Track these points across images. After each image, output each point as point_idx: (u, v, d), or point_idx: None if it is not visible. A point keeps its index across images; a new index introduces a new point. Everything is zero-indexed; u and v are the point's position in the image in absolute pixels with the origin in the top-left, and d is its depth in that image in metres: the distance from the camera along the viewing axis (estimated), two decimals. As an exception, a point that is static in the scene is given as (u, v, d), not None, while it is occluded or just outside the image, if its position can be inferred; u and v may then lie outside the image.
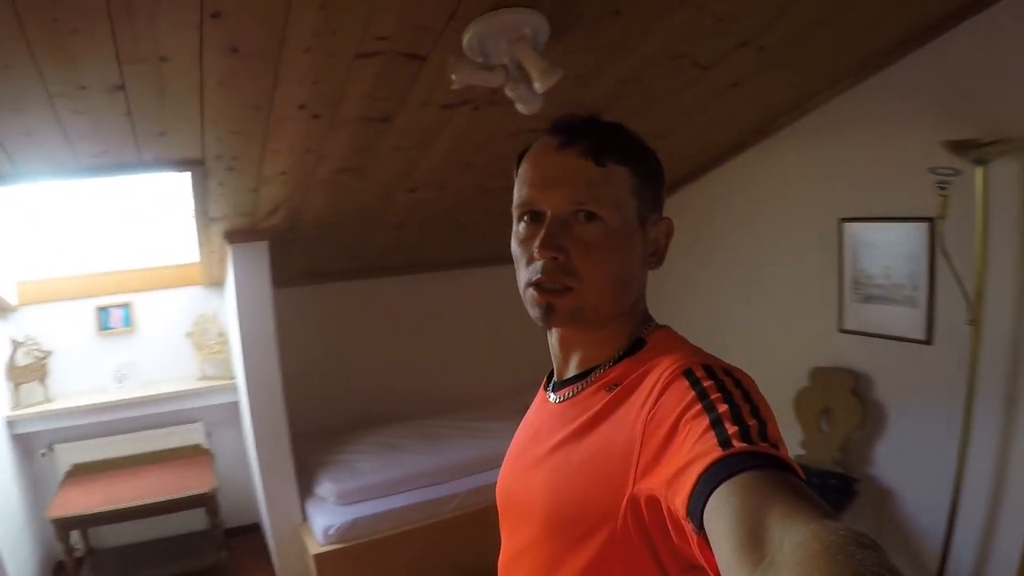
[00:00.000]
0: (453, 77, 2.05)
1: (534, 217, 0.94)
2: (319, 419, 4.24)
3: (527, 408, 4.25)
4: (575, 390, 0.98)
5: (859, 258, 3.14)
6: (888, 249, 3.02)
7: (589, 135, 0.92)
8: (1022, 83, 2.47)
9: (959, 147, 2.44)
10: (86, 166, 2.39)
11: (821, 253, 3.29)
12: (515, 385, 5.07)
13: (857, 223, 3.13)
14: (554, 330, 1.01)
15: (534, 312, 0.95)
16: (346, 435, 4.12)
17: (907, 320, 2.95)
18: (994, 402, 2.67)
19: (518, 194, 0.97)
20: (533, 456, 1.00)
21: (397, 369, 4.62)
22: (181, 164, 2.51)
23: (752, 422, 0.71)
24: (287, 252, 3.68)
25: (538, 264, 0.92)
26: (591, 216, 0.90)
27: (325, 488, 3.46)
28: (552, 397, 1.03)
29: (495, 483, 3.60)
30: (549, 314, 0.93)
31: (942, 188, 2.53)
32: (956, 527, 2.72)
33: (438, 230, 4.04)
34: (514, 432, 4.03)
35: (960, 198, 2.57)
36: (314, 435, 4.13)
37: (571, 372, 1.01)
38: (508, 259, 3.76)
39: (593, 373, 0.96)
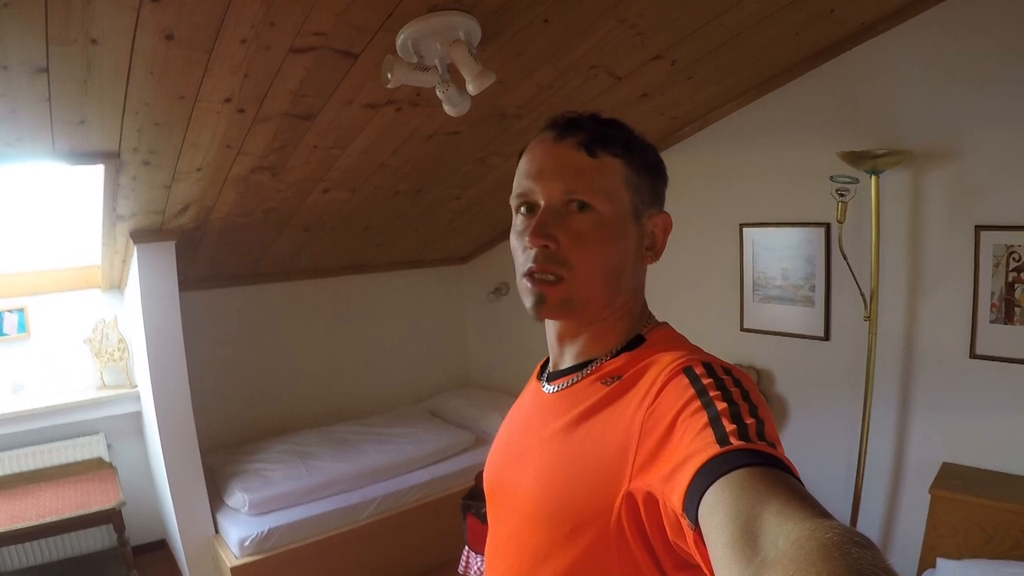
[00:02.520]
0: (389, 76, 2.06)
1: (530, 209, 0.96)
2: (225, 427, 4.11)
3: (435, 412, 4.29)
4: (571, 381, 0.98)
5: (758, 261, 3.33)
6: (786, 252, 3.22)
7: (584, 128, 0.94)
8: (911, 100, 2.73)
9: (854, 158, 2.65)
10: (-6, 154, 2.26)
11: (723, 257, 3.47)
12: (422, 389, 5.11)
13: (756, 228, 3.32)
14: (549, 321, 1.01)
15: (527, 302, 0.95)
16: (254, 443, 4.01)
17: (805, 318, 3.16)
18: (889, 392, 2.90)
19: (515, 186, 0.98)
20: (524, 445, 1.00)
21: (303, 375, 4.54)
22: (96, 156, 2.38)
23: (750, 421, 0.72)
24: (192, 254, 3.57)
25: (531, 253, 0.93)
26: (583, 206, 0.92)
27: (237, 498, 3.36)
28: (546, 387, 1.02)
29: (409, 488, 3.62)
30: (539, 305, 0.93)
31: (841, 195, 2.73)
32: (860, 511, 2.91)
33: (346, 233, 4.01)
34: (418, 435, 4.02)
35: (855, 205, 2.79)
36: (221, 444, 4.00)
37: (567, 363, 1.01)
38: (414, 263, 3.81)
39: (590, 365, 0.97)
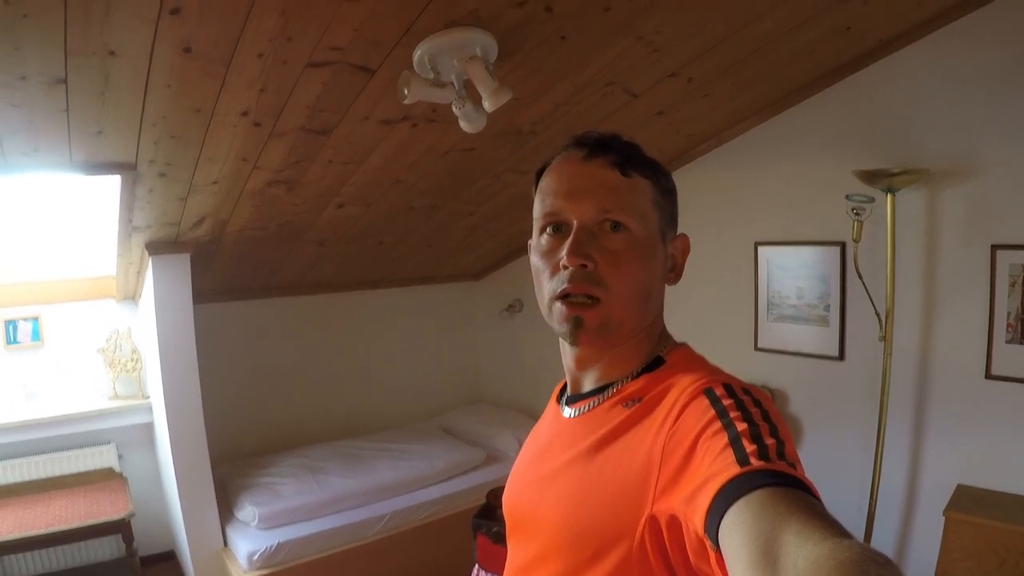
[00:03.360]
0: (406, 91, 2.06)
1: (558, 228, 0.94)
2: (237, 440, 4.11)
3: (447, 428, 4.27)
4: (591, 404, 0.97)
5: (773, 279, 3.31)
6: (801, 271, 3.20)
7: (613, 148, 0.94)
8: (927, 118, 2.72)
9: (870, 176, 2.64)
10: (12, 164, 2.27)
11: (737, 275, 3.45)
12: (434, 405, 5.10)
13: (771, 246, 3.31)
14: (568, 346, 1.00)
15: (561, 328, 0.93)
16: (265, 457, 4.01)
17: (820, 338, 3.13)
18: (904, 412, 2.87)
19: (541, 205, 0.96)
20: (545, 470, 0.99)
21: (315, 389, 4.54)
22: (112, 167, 2.40)
23: (771, 441, 0.72)
24: (206, 266, 3.59)
25: (564, 274, 0.90)
26: (617, 226, 0.91)
27: (247, 512, 3.35)
28: (566, 411, 1.02)
29: (419, 504, 3.60)
30: (577, 330, 0.91)
31: (857, 214, 2.71)
32: (873, 534, 2.88)
33: (360, 248, 4.02)
34: (429, 452, 4.00)
35: (870, 223, 2.77)
36: (232, 457, 4.00)
37: (587, 387, 1.00)
38: (428, 279, 3.77)
39: (610, 388, 0.96)
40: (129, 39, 1.71)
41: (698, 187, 3.54)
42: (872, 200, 2.70)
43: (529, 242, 1.01)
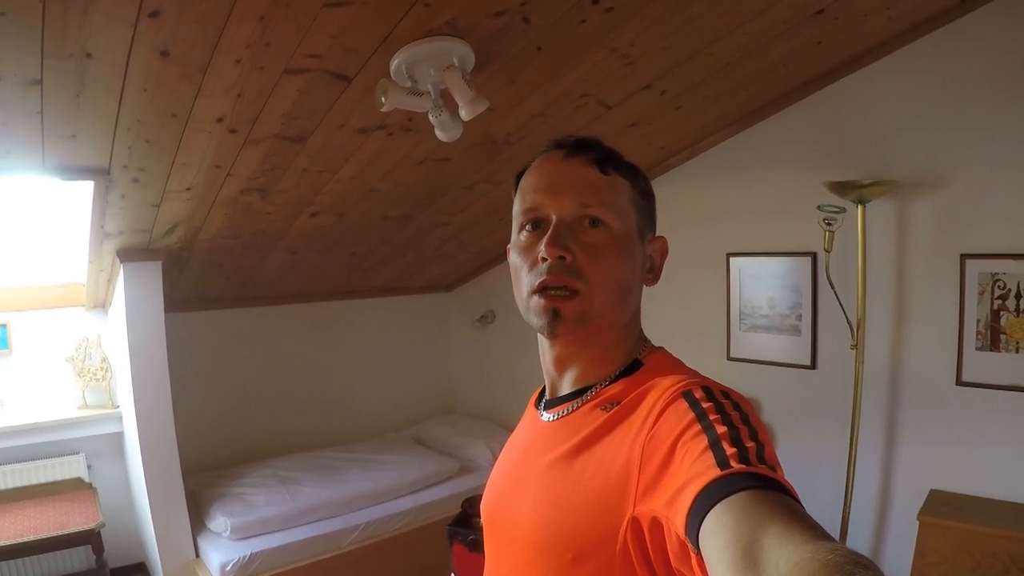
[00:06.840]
0: (383, 99, 2.07)
1: (536, 224, 0.95)
2: (208, 451, 4.06)
3: (419, 439, 4.23)
4: (569, 408, 0.96)
5: (745, 290, 3.35)
6: (772, 281, 3.25)
7: (593, 148, 0.96)
8: (897, 131, 2.79)
9: (841, 188, 2.69)
10: (-18, 167, 2.25)
11: (710, 286, 3.49)
12: (407, 416, 5.08)
13: (743, 257, 3.35)
14: (554, 343, 0.99)
15: (539, 321, 0.93)
16: (236, 467, 3.96)
17: (792, 347, 3.18)
18: (876, 419, 2.92)
19: (521, 202, 0.97)
20: (523, 474, 0.98)
21: (287, 400, 4.51)
22: (85, 172, 2.38)
23: (750, 444, 0.71)
24: (178, 275, 3.55)
25: (543, 266, 0.91)
26: (596, 221, 0.92)
27: (219, 523, 3.30)
28: (544, 415, 1.01)
29: (393, 515, 3.57)
30: (556, 320, 0.91)
31: (829, 224, 2.76)
32: (847, 540, 2.91)
33: (333, 258, 4.01)
34: (402, 462, 3.96)
35: (841, 234, 2.82)
36: (203, 467, 3.94)
37: (565, 390, 1.00)
38: (400, 290, 3.74)
39: (589, 392, 0.95)
40: (107, 41, 1.70)
41: (670, 199, 3.54)
42: (843, 211, 2.75)
43: (508, 247, 1.01)
